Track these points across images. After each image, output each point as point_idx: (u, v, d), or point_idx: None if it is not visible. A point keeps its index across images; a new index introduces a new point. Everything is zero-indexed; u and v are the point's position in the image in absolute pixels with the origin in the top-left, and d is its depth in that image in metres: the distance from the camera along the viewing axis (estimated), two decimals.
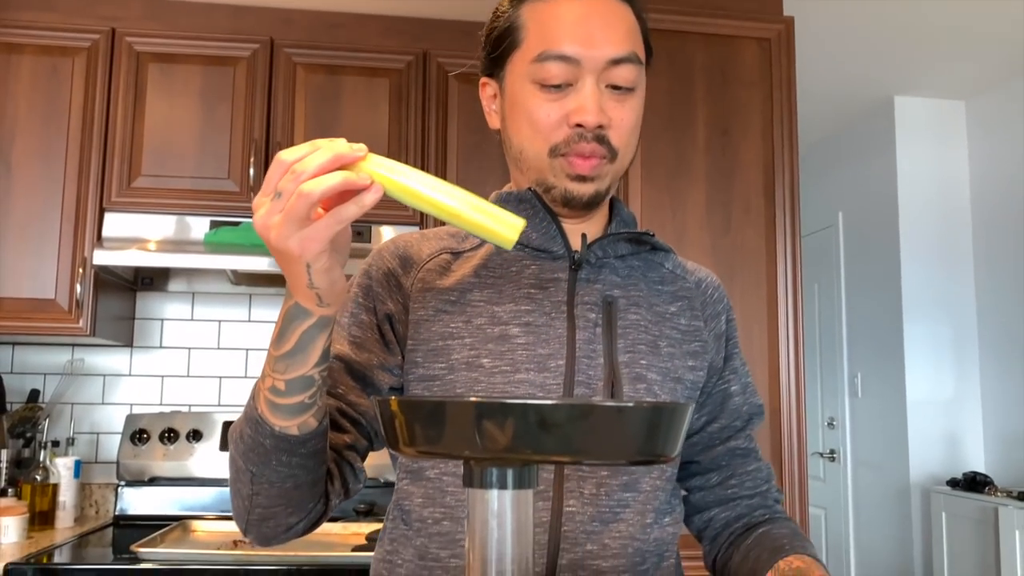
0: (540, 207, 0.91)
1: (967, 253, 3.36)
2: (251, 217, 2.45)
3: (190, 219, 2.26)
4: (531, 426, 0.51)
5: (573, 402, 0.57)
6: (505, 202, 0.94)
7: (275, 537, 0.85)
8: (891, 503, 3.35)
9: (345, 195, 0.65)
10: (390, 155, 2.34)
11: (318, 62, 2.38)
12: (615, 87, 0.86)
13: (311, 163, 0.64)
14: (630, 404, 0.54)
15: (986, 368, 3.24)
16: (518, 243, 0.91)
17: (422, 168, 2.33)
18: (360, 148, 0.66)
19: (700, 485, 1.00)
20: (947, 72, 3.13)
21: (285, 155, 0.65)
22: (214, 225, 2.25)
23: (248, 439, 0.77)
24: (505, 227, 0.68)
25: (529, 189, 0.91)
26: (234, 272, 2.33)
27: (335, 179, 0.64)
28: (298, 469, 0.78)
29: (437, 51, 2.44)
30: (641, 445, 0.54)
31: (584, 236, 0.92)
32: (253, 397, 0.78)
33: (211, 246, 2.23)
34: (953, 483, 2.95)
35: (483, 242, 0.94)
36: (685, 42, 2.18)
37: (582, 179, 0.87)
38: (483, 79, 0.94)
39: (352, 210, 0.65)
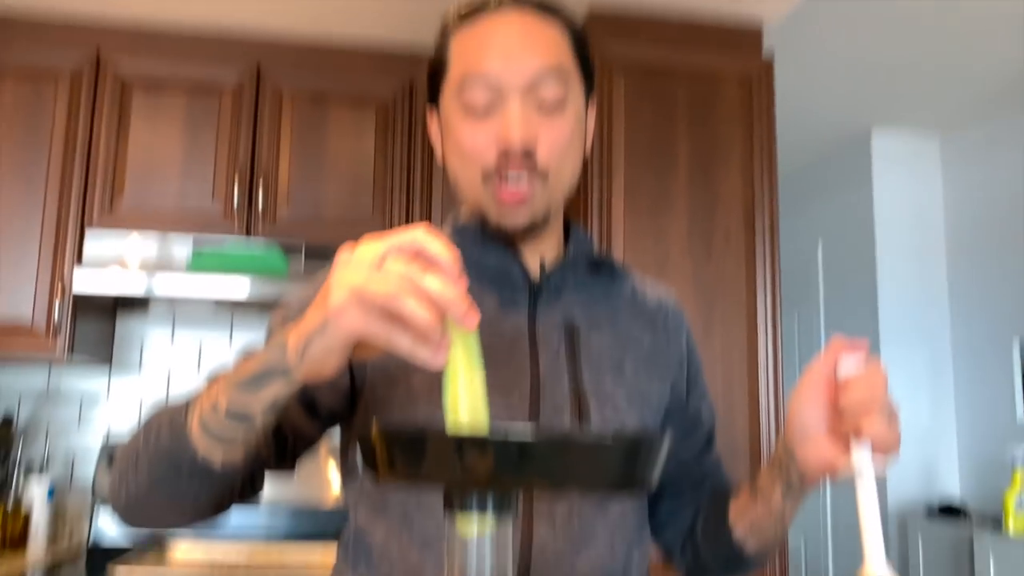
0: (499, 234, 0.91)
1: (942, 282, 3.41)
2: (234, 238, 2.41)
3: (173, 240, 2.25)
4: (512, 457, 0.52)
5: (553, 435, 0.58)
6: (463, 233, 0.94)
7: (142, 525, 0.80)
8: None
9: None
10: (375, 186, 2.37)
11: (304, 89, 2.40)
12: (543, 104, 0.84)
13: (434, 284, 0.57)
14: (610, 436, 0.55)
15: (961, 395, 3.28)
16: (475, 270, 0.91)
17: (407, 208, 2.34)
18: (471, 318, 0.58)
19: (671, 500, 1.00)
20: (924, 107, 3.20)
21: (423, 241, 0.59)
22: (198, 246, 2.24)
23: (164, 448, 0.72)
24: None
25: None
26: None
27: (449, 294, 0.56)
28: (204, 494, 0.74)
29: (423, 82, 2.46)
30: (621, 475, 0.56)
31: (543, 264, 0.92)
32: (187, 406, 0.71)
33: (194, 269, 2.22)
34: (929, 512, 2.97)
35: None
36: (668, 80, 2.21)
37: (514, 208, 0.86)
38: (429, 112, 0.94)
39: (404, 345, 0.58)
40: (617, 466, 0.55)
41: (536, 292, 0.91)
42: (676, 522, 0.99)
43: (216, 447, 0.70)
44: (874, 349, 3.35)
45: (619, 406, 0.89)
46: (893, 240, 3.42)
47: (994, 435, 3.07)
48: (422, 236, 0.59)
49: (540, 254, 0.93)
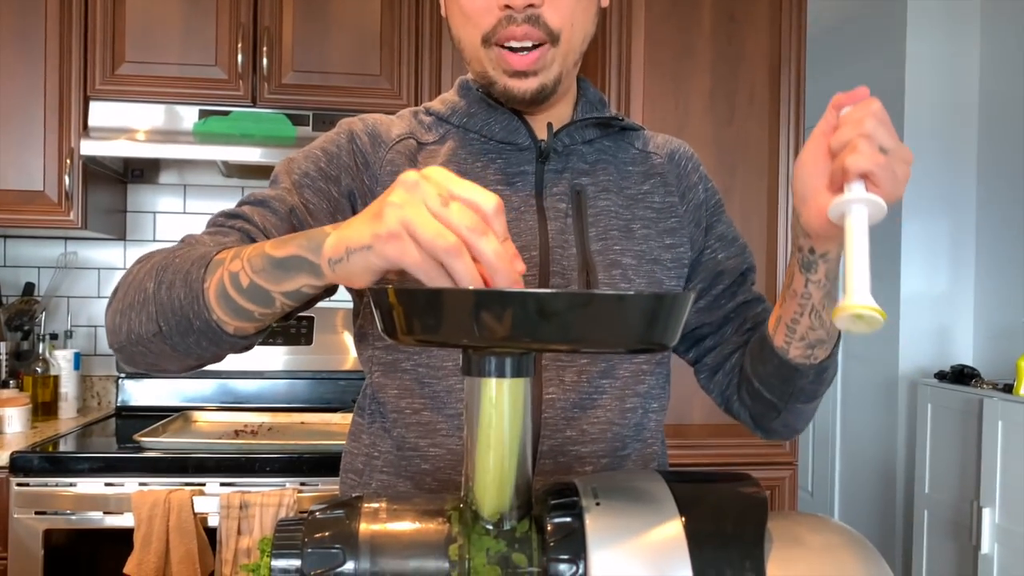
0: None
1: (971, 149, 3.31)
2: (240, 106, 2.36)
3: (179, 108, 2.20)
4: (530, 315, 0.50)
5: (573, 291, 0.56)
6: (468, 92, 0.91)
7: (137, 366, 0.78)
8: (878, 395, 3.42)
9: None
10: (382, 48, 2.27)
11: None
12: None
13: (490, 248, 0.56)
14: (630, 293, 0.53)
15: (981, 263, 3.25)
16: (481, 135, 0.90)
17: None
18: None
19: (716, 343, 0.98)
20: None
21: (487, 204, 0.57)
22: (203, 115, 2.19)
23: (177, 302, 0.69)
24: None
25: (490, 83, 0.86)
26: (225, 163, 2.29)
27: (501, 270, 0.56)
28: (209, 351, 0.73)
29: None
30: (640, 334, 0.54)
31: (550, 126, 0.89)
32: (205, 266, 0.69)
33: (201, 136, 2.18)
34: (941, 376, 3.00)
35: (444, 136, 0.91)
36: None
37: (522, 75, 0.82)
38: None
39: (442, 286, 0.57)
40: (637, 324, 0.53)
41: (544, 156, 0.89)
42: (726, 365, 0.97)
43: (231, 317, 0.69)
44: (895, 216, 3.29)
45: (628, 270, 0.88)
46: (923, 105, 3.29)
47: (1012, 306, 3.06)
48: (491, 206, 0.57)
49: (550, 118, 0.90)
